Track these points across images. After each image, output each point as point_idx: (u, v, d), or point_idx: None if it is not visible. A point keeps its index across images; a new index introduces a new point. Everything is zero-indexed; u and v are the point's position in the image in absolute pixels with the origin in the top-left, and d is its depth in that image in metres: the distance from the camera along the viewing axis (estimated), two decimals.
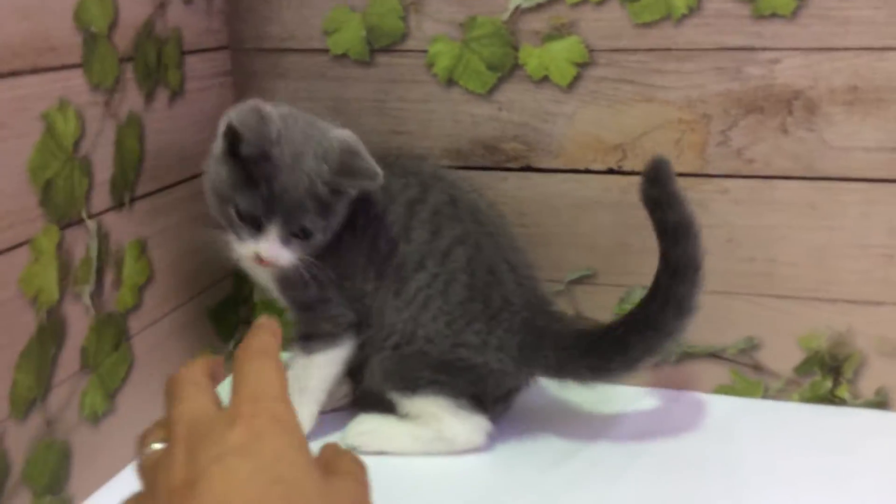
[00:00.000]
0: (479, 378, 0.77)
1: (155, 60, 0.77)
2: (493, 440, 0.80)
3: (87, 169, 0.69)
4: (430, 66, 0.86)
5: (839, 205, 0.80)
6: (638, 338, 0.74)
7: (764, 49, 0.78)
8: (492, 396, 0.78)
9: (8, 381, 0.62)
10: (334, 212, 0.71)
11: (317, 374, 0.78)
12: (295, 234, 0.70)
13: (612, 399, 0.88)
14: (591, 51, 0.82)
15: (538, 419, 0.85)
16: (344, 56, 0.88)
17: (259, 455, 0.38)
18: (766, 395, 0.88)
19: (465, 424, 0.77)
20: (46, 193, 0.64)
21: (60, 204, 0.66)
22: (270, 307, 0.98)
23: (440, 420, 0.77)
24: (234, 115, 0.68)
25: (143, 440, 0.44)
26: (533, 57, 0.83)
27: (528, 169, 0.87)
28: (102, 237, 0.71)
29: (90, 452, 0.71)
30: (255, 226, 0.69)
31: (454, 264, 0.75)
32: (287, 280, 0.76)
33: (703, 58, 0.80)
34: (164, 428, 0.43)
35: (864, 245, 0.81)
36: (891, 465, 0.76)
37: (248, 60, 0.91)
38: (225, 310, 0.93)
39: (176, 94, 0.81)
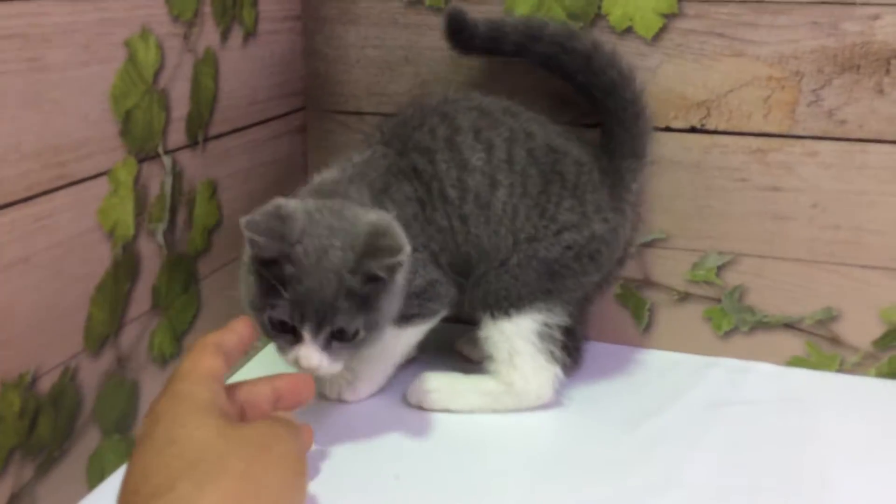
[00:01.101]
0: (590, 263, 0.76)
1: None
2: (560, 407, 0.78)
3: (164, 103, 0.67)
4: (509, 14, 0.83)
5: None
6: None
7: (864, 4, 0.74)
8: (606, 277, 0.81)
9: (83, 314, 0.61)
10: (374, 302, 0.64)
11: (404, 342, 0.77)
12: (334, 336, 0.63)
13: (682, 367, 0.86)
14: (681, 1, 0.79)
15: (608, 386, 0.83)
16: (419, 2, 0.86)
17: (156, 430, 0.47)
18: (841, 368, 0.85)
19: (538, 374, 0.76)
20: (126, 124, 0.63)
21: (139, 136, 0.64)
22: None
23: (516, 367, 0.76)
24: (251, 217, 0.62)
25: None
26: (617, 6, 0.80)
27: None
28: (177, 175, 0.69)
29: (157, 394, 0.69)
30: (290, 333, 0.64)
31: (520, 164, 0.75)
32: None
33: (799, 11, 0.76)
34: None
35: None
36: None
37: (318, 4, 0.89)
38: None
39: (249, 34, 0.79)
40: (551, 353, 0.76)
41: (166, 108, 0.67)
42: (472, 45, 0.79)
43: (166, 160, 0.68)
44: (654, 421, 0.76)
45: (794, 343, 0.86)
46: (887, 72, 0.76)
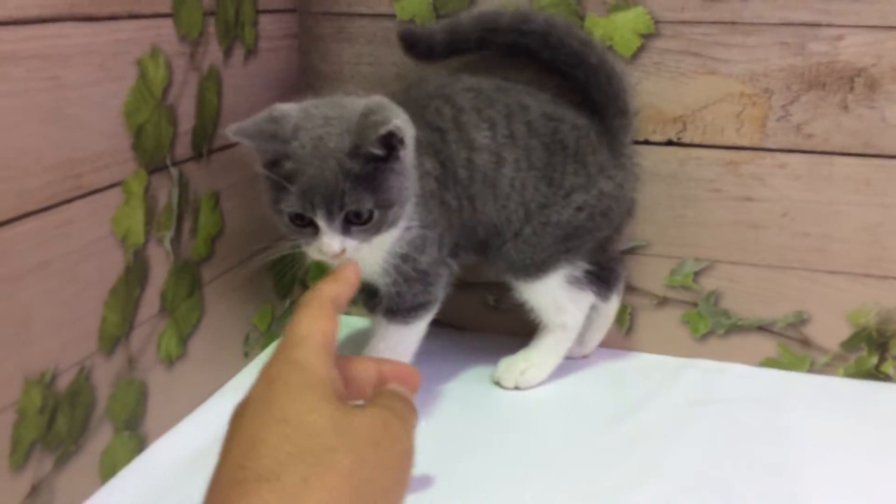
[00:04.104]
0: (602, 219, 0.81)
1: (234, 16, 0.79)
2: (545, 405, 0.82)
3: (172, 117, 0.71)
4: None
5: (895, 183, 0.82)
6: None
7: (829, 25, 0.80)
8: (619, 228, 0.86)
9: (98, 317, 0.64)
10: (381, 181, 0.65)
11: (415, 339, 0.79)
12: (349, 220, 0.66)
13: (661, 368, 0.90)
14: (657, 22, 0.83)
15: (592, 385, 0.87)
16: (410, 22, 0.90)
17: (268, 400, 0.45)
18: (811, 369, 0.90)
19: (580, 306, 0.85)
20: (138, 137, 0.66)
21: (149, 149, 0.68)
22: (323, 269, 1.00)
23: (562, 310, 0.84)
24: (240, 125, 0.65)
25: None
26: (598, 27, 0.85)
27: None
28: (183, 185, 0.73)
29: (163, 394, 0.73)
30: (308, 226, 0.66)
31: (522, 138, 0.78)
32: (401, 254, 0.73)
33: (768, 32, 0.81)
34: None
35: None
36: None
37: (314, 23, 0.93)
38: (283, 267, 0.94)
39: (250, 52, 0.83)
40: (583, 289, 0.84)
41: (174, 122, 0.71)
42: (435, 53, 0.82)
43: (174, 172, 0.71)
44: (635, 418, 0.80)
45: (766, 345, 0.90)
46: (851, 89, 0.81)
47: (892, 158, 0.81)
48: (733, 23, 0.82)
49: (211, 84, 0.76)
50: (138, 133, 0.66)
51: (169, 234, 0.72)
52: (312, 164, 0.64)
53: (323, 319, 0.50)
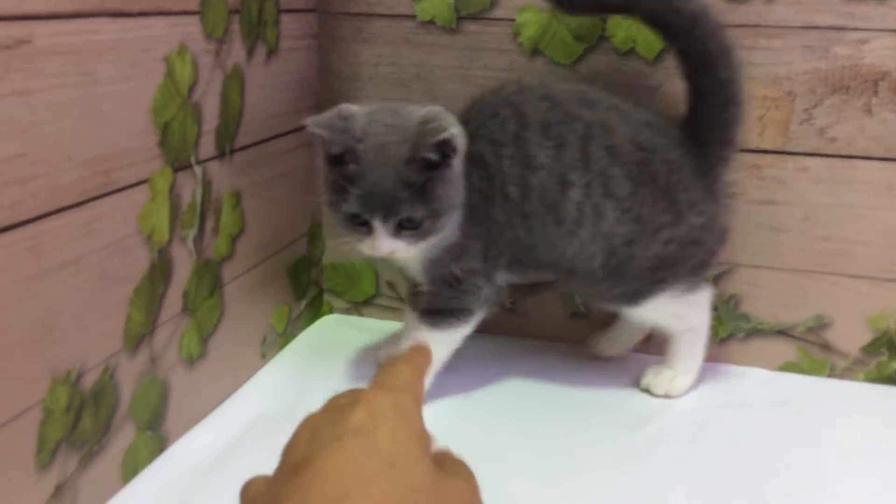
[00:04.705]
0: (694, 248, 0.78)
1: (257, 15, 0.79)
2: (568, 409, 0.82)
3: (197, 116, 0.70)
4: (516, 35, 0.88)
5: None
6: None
7: (853, 29, 0.79)
8: (713, 252, 0.81)
9: (123, 315, 0.64)
10: (434, 190, 0.69)
11: (443, 347, 0.78)
12: (402, 225, 0.70)
13: None
14: None
15: (616, 390, 0.86)
16: (430, 22, 0.90)
17: (375, 437, 0.40)
18: (831, 373, 0.89)
19: (704, 302, 0.82)
20: (165, 135, 0.66)
21: (175, 147, 0.67)
22: (338, 270, 1.00)
23: (682, 316, 0.82)
24: (316, 118, 0.69)
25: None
26: (621, 28, 0.85)
27: None
28: (207, 184, 0.73)
29: (184, 394, 0.72)
30: (363, 225, 0.70)
31: (598, 163, 0.74)
32: (434, 259, 0.75)
33: (792, 36, 0.81)
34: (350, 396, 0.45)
35: None
36: None
37: (334, 24, 0.93)
38: (300, 269, 0.94)
39: (272, 51, 0.83)
40: (696, 290, 0.81)
41: (199, 120, 0.71)
42: (579, 4, 0.78)
43: (198, 170, 0.71)
44: (657, 422, 0.80)
45: (786, 349, 0.90)
46: (875, 93, 0.80)
47: None
48: (757, 25, 0.81)
49: (234, 83, 0.76)
50: (165, 131, 0.66)
51: (192, 233, 0.71)
52: (374, 170, 0.68)
53: (419, 381, 0.51)
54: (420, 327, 0.78)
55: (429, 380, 0.78)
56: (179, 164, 0.68)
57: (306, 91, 0.92)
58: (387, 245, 0.70)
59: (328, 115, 0.70)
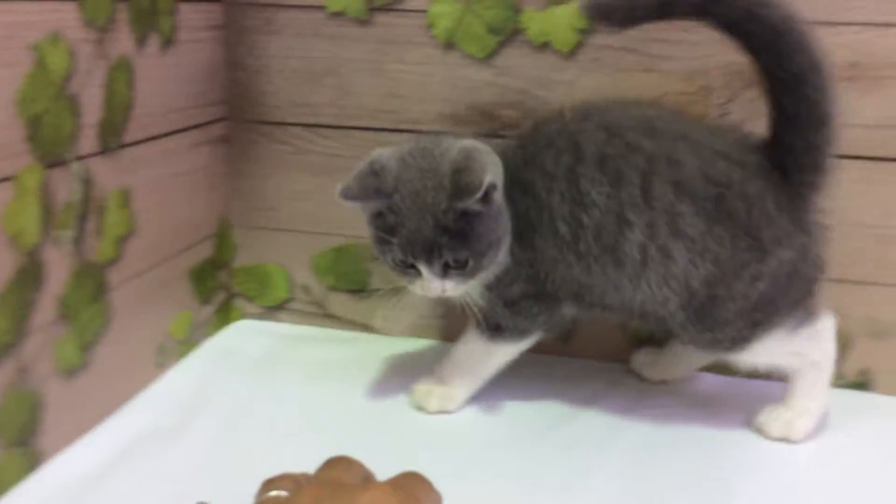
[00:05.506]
0: (789, 282, 0.70)
1: (148, 4, 0.74)
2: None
3: (75, 108, 0.66)
4: (430, 27, 0.84)
5: (834, 182, 0.80)
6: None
7: None
8: (813, 281, 0.72)
9: None
10: (475, 232, 0.68)
11: (493, 362, 0.78)
12: (448, 265, 0.69)
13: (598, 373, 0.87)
14: None
15: (524, 393, 0.83)
16: (341, 14, 0.86)
17: None
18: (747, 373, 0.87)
19: (820, 339, 0.74)
20: (33, 129, 0.61)
21: (46, 142, 0.63)
22: (251, 273, 0.96)
23: (801, 353, 0.73)
24: (344, 185, 0.68)
25: (267, 485, 0.47)
26: (535, 21, 0.82)
27: None
28: (87, 182, 0.68)
29: (62, 406, 0.67)
30: (411, 268, 0.70)
31: (662, 200, 0.67)
32: (489, 285, 0.74)
33: (707, 30, 0.78)
34: (291, 480, 0.46)
35: (858, 224, 0.81)
36: (873, 445, 0.75)
37: (241, 15, 0.88)
38: (204, 272, 0.90)
39: (168, 42, 0.78)
40: (812, 322, 0.73)
41: (77, 113, 0.66)
42: (636, 16, 0.68)
43: (76, 166, 0.66)
44: (571, 425, 0.77)
45: None
46: None
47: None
48: None
49: (121, 74, 0.71)
50: (33, 124, 0.61)
51: (70, 234, 0.66)
52: (412, 218, 0.68)
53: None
54: (472, 333, 0.78)
55: (480, 378, 0.79)
56: (53, 160, 0.64)
57: (212, 84, 0.88)
58: (436, 286, 0.70)
59: (358, 175, 0.68)
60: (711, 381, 0.86)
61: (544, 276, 0.73)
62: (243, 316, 0.97)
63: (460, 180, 0.66)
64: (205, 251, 0.89)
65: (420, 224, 0.67)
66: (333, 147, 0.90)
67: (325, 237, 0.93)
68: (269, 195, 0.93)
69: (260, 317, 0.97)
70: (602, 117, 0.70)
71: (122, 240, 0.74)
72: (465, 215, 0.67)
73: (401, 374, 0.85)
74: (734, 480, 0.69)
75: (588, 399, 0.81)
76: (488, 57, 0.84)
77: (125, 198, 0.73)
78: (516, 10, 0.82)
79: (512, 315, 0.75)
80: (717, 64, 0.79)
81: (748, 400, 0.80)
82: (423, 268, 0.69)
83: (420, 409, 0.79)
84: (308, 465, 0.49)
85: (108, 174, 0.71)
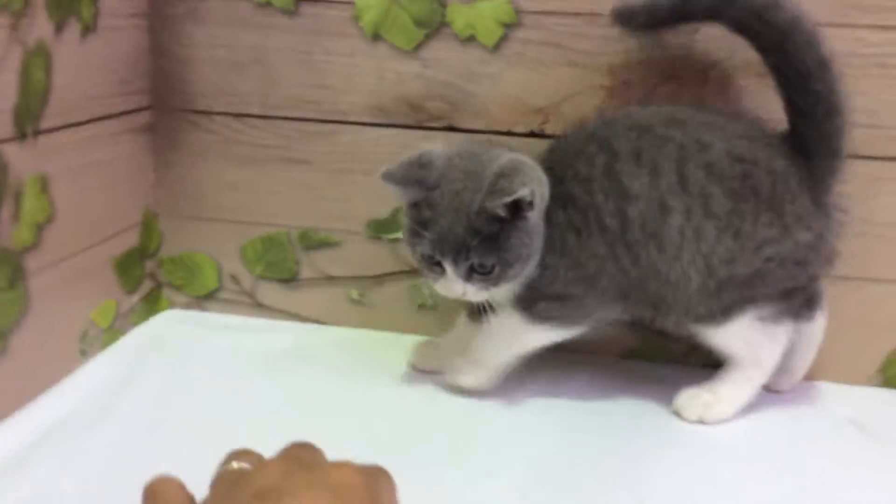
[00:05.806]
0: (795, 268, 0.73)
1: None
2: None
3: None
4: (357, 18, 0.85)
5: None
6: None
7: None
8: (814, 277, 0.75)
9: None
10: (505, 240, 0.69)
11: (531, 339, 0.77)
12: (474, 269, 0.70)
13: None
14: (519, 12, 0.82)
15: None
16: (268, 4, 0.86)
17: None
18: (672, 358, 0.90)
19: (776, 341, 0.76)
20: None
21: None
22: (179, 263, 0.95)
23: (757, 345, 0.75)
24: (388, 168, 0.70)
25: (229, 458, 0.46)
26: (460, 15, 0.83)
27: (451, 129, 0.86)
28: (1, 167, 0.67)
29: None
30: (437, 265, 0.71)
31: (696, 184, 0.70)
32: (521, 294, 0.75)
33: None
34: (254, 456, 0.46)
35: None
36: (786, 426, 0.78)
37: (165, 3, 0.88)
38: (130, 261, 0.89)
39: (88, 29, 0.77)
40: (780, 321, 0.75)
41: None
42: (656, 21, 0.75)
43: None
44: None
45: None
46: (705, 82, 0.81)
47: None
48: (594, 14, 0.81)
49: (39, 60, 0.70)
50: None
51: None
52: (446, 216, 0.69)
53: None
54: (513, 310, 0.76)
55: (508, 353, 0.77)
56: None
57: (135, 73, 0.87)
58: (458, 287, 0.71)
59: (407, 161, 0.71)
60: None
61: (592, 277, 0.73)
62: (171, 305, 0.97)
63: (497, 183, 0.68)
64: (130, 240, 0.89)
65: (453, 223, 0.69)
66: (261, 136, 0.90)
67: (254, 226, 0.93)
68: (196, 184, 0.92)
69: (188, 306, 0.97)
70: (627, 120, 0.74)
71: (40, 227, 0.73)
72: (500, 222, 0.69)
73: (332, 364, 0.85)
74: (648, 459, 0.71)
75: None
76: (415, 49, 0.85)
77: (43, 184, 0.73)
78: (442, 4, 0.83)
79: (560, 308, 0.75)
80: (637, 59, 0.82)
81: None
82: (448, 266, 0.70)
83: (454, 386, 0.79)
84: None
85: (24, 160, 0.70)
